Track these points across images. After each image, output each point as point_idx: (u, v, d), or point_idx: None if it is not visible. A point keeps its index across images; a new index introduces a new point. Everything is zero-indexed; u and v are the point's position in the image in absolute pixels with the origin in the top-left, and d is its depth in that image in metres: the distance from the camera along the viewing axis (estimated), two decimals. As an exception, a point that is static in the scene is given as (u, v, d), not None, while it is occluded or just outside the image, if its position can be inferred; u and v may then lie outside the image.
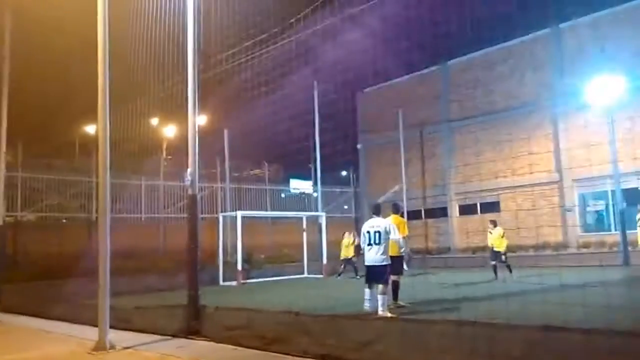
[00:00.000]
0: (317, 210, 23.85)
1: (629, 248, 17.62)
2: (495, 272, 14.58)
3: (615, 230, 19.20)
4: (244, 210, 21.47)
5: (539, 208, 22.58)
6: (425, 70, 27.86)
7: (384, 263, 8.54)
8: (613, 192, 19.69)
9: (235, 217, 19.36)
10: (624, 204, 18.76)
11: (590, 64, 19.66)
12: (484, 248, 21.10)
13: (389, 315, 8.15)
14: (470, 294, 10.25)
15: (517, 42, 24.26)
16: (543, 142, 22.96)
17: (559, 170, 22.55)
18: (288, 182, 25.92)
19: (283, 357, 6.09)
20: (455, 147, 26.46)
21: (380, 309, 8.32)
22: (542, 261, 18.59)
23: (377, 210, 9.16)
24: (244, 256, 19.21)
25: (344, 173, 32.05)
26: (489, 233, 15.61)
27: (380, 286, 8.46)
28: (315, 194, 25.58)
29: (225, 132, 21.95)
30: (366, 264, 8.75)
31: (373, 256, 8.57)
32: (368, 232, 8.73)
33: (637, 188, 20.25)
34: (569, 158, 21.90)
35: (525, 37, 23.87)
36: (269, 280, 19.10)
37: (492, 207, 24.79)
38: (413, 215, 26.46)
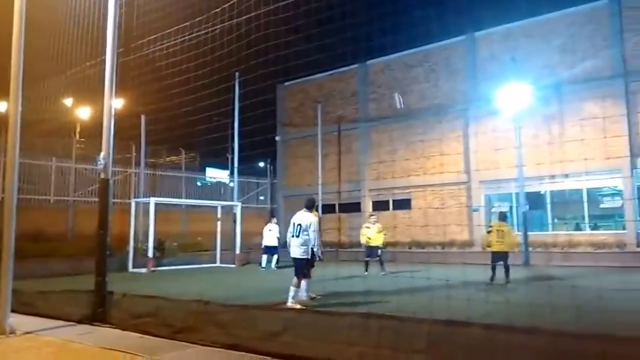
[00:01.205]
0: (232, 200, 23.70)
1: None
2: (367, 267, 14.92)
3: (518, 231, 20.54)
4: (158, 197, 20.94)
5: (448, 207, 23.71)
6: (345, 68, 28.38)
7: (302, 256, 8.76)
8: (517, 194, 21.04)
9: (149, 203, 18.88)
10: (527, 207, 20.16)
11: (501, 72, 20.80)
12: (394, 244, 22.08)
13: (297, 306, 8.31)
14: (378, 287, 10.66)
15: (434, 46, 25.28)
16: (454, 144, 24.12)
17: (467, 171, 23.79)
18: (204, 170, 25.54)
19: (190, 345, 6.08)
20: (371, 144, 27.18)
21: (290, 300, 8.57)
22: (449, 258, 19.62)
23: (309, 205, 9.32)
24: (156, 243, 18.78)
25: (261, 164, 32.04)
26: (366, 228, 15.53)
27: (294, 279, 8.69)
28: (231, 184, 25.40)
29: (143, 117, 21.23)
30: (291, 254, 9.00)
31: (293, 248, 8.84)
32: (293, 223, 8.99)
33: (539, 192, 21.89)
34: (477, 160, 23.15)
35: (442, 42, 24.90)
36: (180, 269, 18.79)
37: (403, 204, 25.77)
38: (328, 209, 26.98)
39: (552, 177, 20.77)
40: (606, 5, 20.87)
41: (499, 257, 12.36)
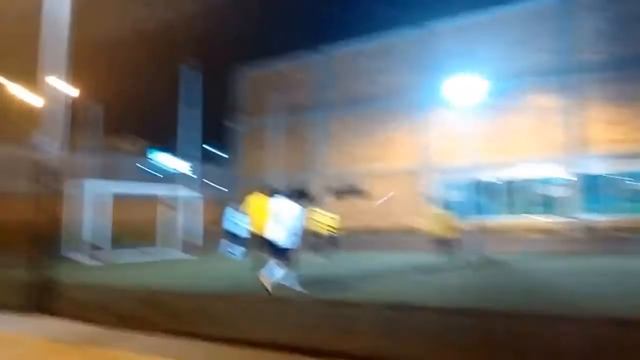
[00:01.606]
0: (190, 188, 23.28)
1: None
2: (319, 253, 14.88)
3: (469, 218, 21.06)
4: (105, 183, 20.35)
5: (402, 194, 24.10)
6: (306, 57, 28.30)
7: (288, 244, 8.74)
8: (468, 183, 21.59)
9: (96, 189, 18.30)
10: (478, 195, 20.75)
11: (456, 64, 21.24)
12: (350, 230, 22.28)
13: (268, 290, 8.33)
14: (333, 273, 10.73)
15: (393, 38, 25.56)
16: (410, 133, 24.52)
17: (422, 160, 24.24)
18: (157, 156, 25.00)
19: (140, 335, 5.95)
20: (330, 132, 27.28)
21: (273, 279, 8.57)
22: (403, 244, 19.97)
23: (292, 195, 9.20)
24: (105, 232, 18.26)
25: (219, 152, 31.68)
26: (317, 214, 15.47)
27: (281, 262, 8.65)
28: (189, 171, 24.99)
29: (88, 101, 20.59)
30: (276, 243, 8.86)
31: (279, 236, 8.76)
32: (277, 213, 8.93)
33: (488, 180, 22.53)
34: (431, 149, 23.66)
35: (400, 34, 25.22)
36: (132, 258, 18.35)
37: (360, 192, 26.02)
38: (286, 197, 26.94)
39: (501, 166, 21.44)
40: (554, 3, 21.56)
41: (444, 242, 12.82)
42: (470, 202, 20.69)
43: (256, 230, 9.58)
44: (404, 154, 24.66)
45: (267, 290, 9.11)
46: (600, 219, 20.11)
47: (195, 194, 21.69)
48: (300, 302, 7.34)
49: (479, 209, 21.20)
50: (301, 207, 8.94)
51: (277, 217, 8.79)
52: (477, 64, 20.94)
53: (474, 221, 20.05)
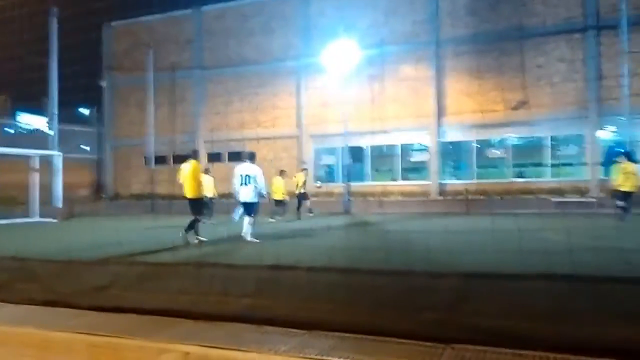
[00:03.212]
0: (51, 149, 21.71)
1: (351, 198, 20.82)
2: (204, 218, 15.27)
3: (342, 182, 22.15)
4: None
5: (280, 159, 24.49)
6: (179, 12, 27.22)
7: (253, 200, 10.25)
8: (342, 148, 22.58)
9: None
10: (350, 160, 21.87)
11: (332, 29, 21.76)
12: (228, 195, 22.31)
13: (256, 240, 9.96)
14: (210, 237, 10.89)
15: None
16: (287, 98, 24.85)
17: (298, 125, 24.78)
18: (17, 115, 22.86)
19: (4, 304, 5.75)
20: (205, 94, 26.74)
21: (248, 236, 10.09)
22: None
23: (251, 157, 10.59)
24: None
25: (85, 111, 29.64)
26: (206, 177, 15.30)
27: (249, 217, 10.17)
28: (50, 132, 23.16)
29: None
30: (241, 200, 10.35)
31: (244, 194, 10.17)
32: (241, 175, 10.27)
33: (361, 147, 23.71)
34: (307, 115, 24.25)
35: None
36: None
37: (238, 156, 25.97)
38: (161, 160, 26.19)
39: (373, 133, 22.70)
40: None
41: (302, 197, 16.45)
42: (346, 167, 21.78)
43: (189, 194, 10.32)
44: (282, 119, 25.02)
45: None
46: (458, 182, 22.26)
47: (58, 155, 20.35)
48: (175, 266, 7.45)
49: (355, 174, 22.42)
50: (257, 168, 10.24)
51: (246, 179, 10.09)
52: (353, 29, 21.70)
53: (350, 186, 21.22)
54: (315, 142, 25.00)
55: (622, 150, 14.80)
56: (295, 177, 17.86)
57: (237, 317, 4.36)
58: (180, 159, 25.88)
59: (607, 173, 16.06)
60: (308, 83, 24.37)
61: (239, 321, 4.27)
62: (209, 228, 12.33)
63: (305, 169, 19.06)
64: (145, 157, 26.69)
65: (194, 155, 11.19)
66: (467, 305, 4.94)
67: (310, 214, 17.25)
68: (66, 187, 20.06)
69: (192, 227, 10.19)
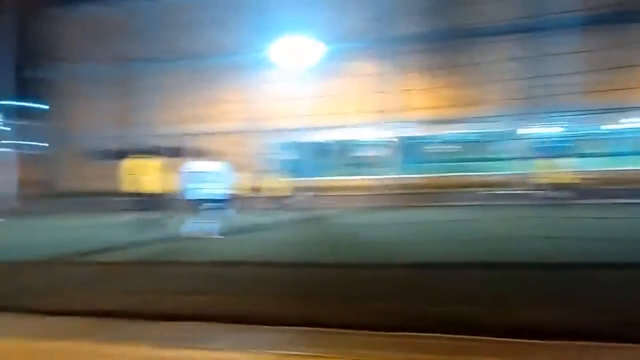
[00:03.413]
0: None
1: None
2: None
3: (299, 178, 22.17)
4: None
5: (232, 155, 24.28)
6: (131, 3, 26.52)
7: (213, 196, 10.28)
8: (298, 143, 22.64)
9: None
10: (302, 156, 21.95)
11: (285, 24, 21.71)
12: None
13: (218, 236, 9.94)
14: (159, 234, 10.76)
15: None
16: (239, 91, 24.63)
17: (251, 120, 24.64)
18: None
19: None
20: (158, 87, 26.15)
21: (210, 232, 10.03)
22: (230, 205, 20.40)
23: (207, 153, 10.13)
24: None
25: (33, 104, 28.48)
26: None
27: (210, 214, 10.18)
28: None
29: None
30: (200, 196, 10.27)
31: (205, 190, 10.20)
32: (198, 171, 10.35)
33: (313, 142, 23.86)
34: (263, 110, 24.17)
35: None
36: None
37: (192, 151, 25.54)
38: (112, 155, 25.50)
39: (325, 128, 22.91)
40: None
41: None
42: (300, 162, 21.89)
43: (142, 190, 9.87)
44: (236, 114, 24.82)
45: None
46: (414, 177, 22.76)
47: (5, 151, 19.58)
48: (120, 265, 7.35)
49: (309, 170, 22.52)
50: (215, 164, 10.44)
51: (202, 175, 10.11)
52: (304, 26, 21.73)
53: (304, 181, 21.29)
54: (269, 137, 24.92)
55: (557, 145, 15.61)
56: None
57: (189, 316, 4.38)
58: (132, 153, 25.17)
59: (539, 166, 16.91)
60: (263, 77, 24.24)
61: (191, 320, 4.28)
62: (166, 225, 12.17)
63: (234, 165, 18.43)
64: (94, 152, 25.96)
65: (155, 150, 11.04)
66: (413, 293, 5.15)
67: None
68: (17, 184, 19.30)
69: (159, 224, 10.00)
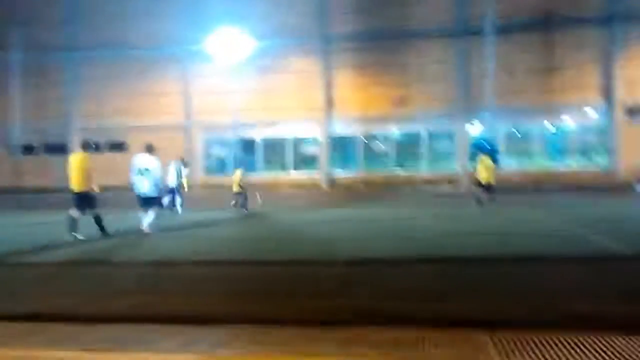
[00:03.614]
0: None
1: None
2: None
3: (233, 174, 21.79)
4: None
5: (165, 150, 23.56)
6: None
7: (151, 193, 9.97)
8: (233, 140, 22.36)
9: None
10: (241, 151, 21.70)
11: (220, 18, 21.31)
12: (109, 188, 21.02)
13: (151, 232, 9.78)
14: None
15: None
16: (173, 85, 23.98)
17: (187, 115, 24.07)
18: None
19: None
20: (81, 78, 24.94)
21: (148, 228, 9.90)
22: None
23: (150, 149, 10.23)
24: None
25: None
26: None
27: (149, 210, 9.93)
28: None
29: None
30: (138, 192, 9.98)
31: (143, 187, 9.89)
32: (138, 167, 9.99)
33: (252, 138, 23.66)
34: (196, 105, 23.64)
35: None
36: None
37: (119, 146, 24.63)
38: (29, 150, 24.17)
39: (264, 124, 22.79)
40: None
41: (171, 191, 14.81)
42: (234, 158, 21.62)
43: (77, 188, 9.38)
44: (168, 107, 24.16)
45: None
46: (345, 174, 23.09)
47: None
48: (49, 267, 7.00)
49: (243, 166, 22.16)
50: (155, 160, 10.05)
51: (142, 171, 9.84)
52: (240, 20, 21.44)
53: (237, 177, 20.98)
54: (205, 133, 24.47)
55: (486, 144, 16.35)
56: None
57: (120, 317, 4.23)
58: (51, 148, 23.93)
59: (472, 165, 17.66)
60: (196, 71, 23.73)
61: (122, 321, 4.13)
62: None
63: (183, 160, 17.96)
64: (8, 146, 24.48)
65: (84, 146, 10.44)
66: (352, 289, 5.23)
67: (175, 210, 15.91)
68: None
69: (99, 223, 9.55)
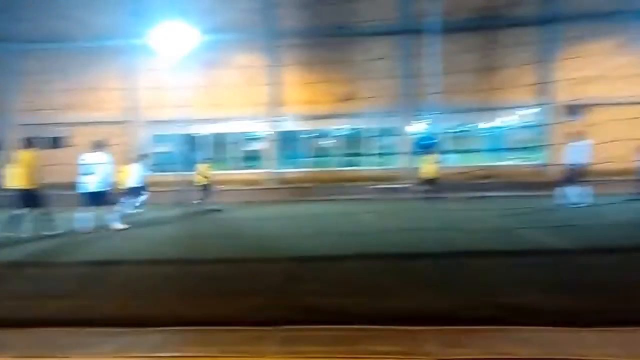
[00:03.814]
0: None
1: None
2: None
3: (179, 172, 21.44)
4: None
5: (110, 146, 22.90)
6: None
7: (99, 189, 9.95)
8: (178, 136, 21.98)
9: None
10: (187, 148, 21.36)
11: (164, 11, 20.80)
12: (66, 185, 20.25)
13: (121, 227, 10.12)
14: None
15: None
16: (117, 80, 23.31)
17: (131, 110, 23.47)
18: None
19: None
20: (19, 71, 23.85)
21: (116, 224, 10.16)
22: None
23: (99, 146, 10.39)
24: None
25: None
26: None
27: (107, 207, 10.16)
28: None
29: None
30: (87, 190, 9.94)
31: (91, 184, 9.87)
32: (86, 164, 9.98)
33: (198, 135, 23.30)
34: (141, 100, 23.08)
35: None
36: None
37: (60, 142, 23.76)
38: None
39: (210, 120, 22.54)
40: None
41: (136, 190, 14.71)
42: (179, 155, 21.23)
43: (22, 185, 9.24)
44: (112, 102, 23.48)
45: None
46: (292, 171, 23.14)
47: None
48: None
49: (188, 163, 21.87)
50: (104, 157, 10.09)
51: (90, 168, 9.80)
52: (185, 13, 21.02)
53: (184, 174, 20.69)
54: (151, 129, 23.94)
55: (430, 142, 16.80)
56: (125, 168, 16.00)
57: (55, 321, 4.14)
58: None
59: (417, 162, 18.09)
60: (140, 65, 23.14)
61: (57, 325, 4.05)
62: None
63: (143, 156, 17.69)
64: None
65: (27, 143, 10.17)
66: (296, 287, 5.33)
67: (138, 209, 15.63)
68: None
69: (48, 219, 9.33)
